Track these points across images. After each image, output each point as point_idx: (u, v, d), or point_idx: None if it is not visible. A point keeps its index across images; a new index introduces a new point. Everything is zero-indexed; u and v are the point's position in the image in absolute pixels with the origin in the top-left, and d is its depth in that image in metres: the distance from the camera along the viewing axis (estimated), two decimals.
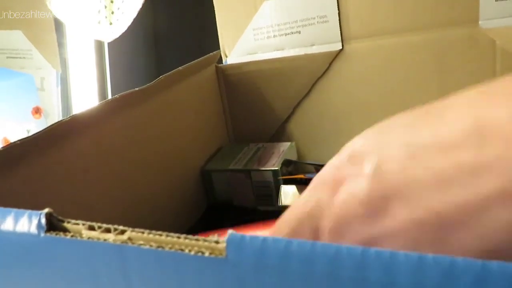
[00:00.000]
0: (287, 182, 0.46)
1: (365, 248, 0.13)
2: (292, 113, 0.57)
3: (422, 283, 0.13)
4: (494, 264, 0.12)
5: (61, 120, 0.29)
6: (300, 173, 0.47)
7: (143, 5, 0.55)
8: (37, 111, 0.56)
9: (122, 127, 0.38)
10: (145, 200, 0.41)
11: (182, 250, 0.15)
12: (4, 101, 0.53)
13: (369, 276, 0.13)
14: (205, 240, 0.15)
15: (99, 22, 0.51)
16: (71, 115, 0.30)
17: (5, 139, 0.53)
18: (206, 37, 0.72)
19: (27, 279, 0.18)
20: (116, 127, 0.37)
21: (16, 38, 0.59)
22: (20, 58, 0.59)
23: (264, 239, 0.14)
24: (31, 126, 0.55)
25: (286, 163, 0.50)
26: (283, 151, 0.52)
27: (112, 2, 0.51)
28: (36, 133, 0.27)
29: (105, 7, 0.51)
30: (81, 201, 0.33)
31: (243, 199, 0.51)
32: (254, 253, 0.14)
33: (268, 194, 0.49)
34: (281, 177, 0.47)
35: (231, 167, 0.50)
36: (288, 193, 0.46)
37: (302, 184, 0.46)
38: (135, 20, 0.55)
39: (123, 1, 0.51)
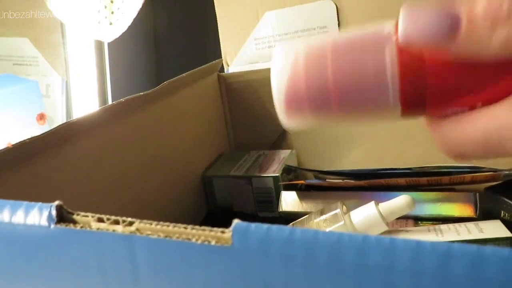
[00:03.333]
0: (288, 188, 0.47)
1: (366, 235, 0.14)
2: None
3: (420, 268, 0.13)
4: (488, 249, 0.13)
5: (68, 121, 0.30)
6: (300, 180, 0.47)
7: (143, 5, 0.56)
8: (41, 117, 0.57)
9: (125, 131, 0.39)
10: (147, 204, 0.42)
11: (189, 239, 0.16)
12: (9, 106, 0.53)
13: (370, 261, 0.14)
14: (211, 230, 0.16)
15: (99, 22, 0.52)
16: (77, 117, 0.31)
17: (9, 145, 0.54)
18: (206, 36, 0.73)
19: (36, 270, 0.19)
20: (120, 131, 0.38)
21: (23, 46, 0.60)
22: (26, 65, 0.60)
23: (269, 228, 0.15)
24: (35, 132, 0.55)
25: (287, 170, 0.51)
26: (283, 158, 0.53)
27: (112, 2, 0.51)
28: (43, 133, 0.28)
29: (105, 7, 0.51)
30: (84, 202, 0.33)
31: (244, 205, 0.51)
32: (258, 241, 0.15)
33: (268, 200, 0.50)
34: (281, 183, 0.48)
35: (232, 173, 0.51)
36: (288, 200, 0.46)
37: (302, 191, 0.46)
38: (135, 20, 0.56)
39: (123, 1, 0.52)
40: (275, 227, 0.15)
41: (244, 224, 0.15)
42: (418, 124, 0.55)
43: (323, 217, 0.39)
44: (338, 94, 0.18)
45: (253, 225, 0.15)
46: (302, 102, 0.18)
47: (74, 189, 0.32)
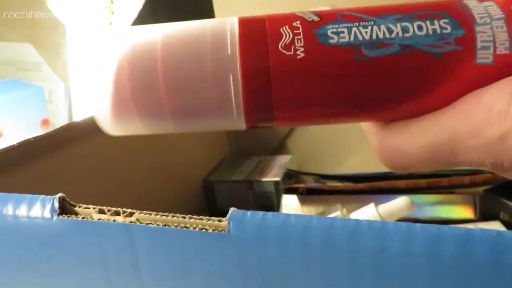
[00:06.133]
0: (288, 192, 0.47)
1: (358, 220, 0.14)
2: (293, 127, 0.59)
3: (411, 250, 0.13)
4: (477, 231, 0.13)
5: (72, 122, 0.30)
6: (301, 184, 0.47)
7: (143, 5, 0.56)
8: (45, 122, 0.58)
9: (127, 135, 0.39)
10: (147, 209, 0.42)
11: (187, 227, 0.16)
12: (14, 111, 0.54)
13: (362, 245, 0.14)
14: (208, 219, 0.16)
15: (99, 23, 0.52)
16: (82, 118, 0.32)
17: None
18: None
19: (40, 261, 0.19)
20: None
21: (26, 51, 0.61)
22: (29, 70, 0.61)
23: (264, 215, 0.15)
24: None
25: (288, 175, 0.51)
26: (284, 163, 0.53)
27: (112, 2, 0.52)
28: (47, 132, 0.28)
29: (105, 7, 0.52)
30: (86, 203, 0.33)
31: (245, 207, 0.51)
32: (254, 228, 0.15)
33: (269, 205, 0.50)
34: (282, 187, 0.48)
35: (233, 178, 0.51)
36: (289, 204, 0.46)
37: (303, 195, 0.47)
38: (135, 20, 0.56)
39: (123, 2, 0.52)
40: (270, 214, 0.15)
41: (240, 212, 0.16)
42: None
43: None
44: (171, 100, 0.15)
45: (249, 213, 0.16)
46: (129, 111, 0.16)
47: (75, 190, 0.32)
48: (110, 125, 0.17)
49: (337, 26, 0.15)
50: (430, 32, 0.15)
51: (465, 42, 0.15)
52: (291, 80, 0.15)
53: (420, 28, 0.15)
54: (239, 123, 0.16)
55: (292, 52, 0.15)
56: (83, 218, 0.18)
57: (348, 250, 0.14)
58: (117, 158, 0.38)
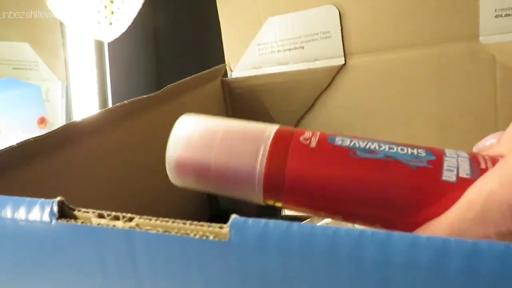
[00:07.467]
0: None
1: (362, 230, 0.14)
2: (296, 126, 0.58)
3: (416, 262, 0.13)
4: (485, 243, 0.13)
5: (72, 122, 0.30)
6: None
7: (143, 5, 0.56)
8: (42, 121, 0.57)
9: (128, 134, 0.39)
10: (149, 208, 0.42)
11: (187, 234, 0.16)
12: (11, 110, 0.54)
13: (366, 255, 0.14)
14: (209, 225, 0.16)
15: (99, 22, 0.52)
16: (82, 118, 0.31)
17: None
18: (207, 36, 0.73)
19: (38, 265, 0.19)
20: (123, 133, 0.38)
21: (23, 50, 0.61)
22: (26, 69, 0.61)
23: (266, 222, 0.15)
24: None
25: None
26: None
27: (112, 2, 0.52)
28: (47, 132, 0.28)
29: (105, 7, 0.51)
30: (86, 204, 0.33)
31: (247, 209, 0.51)
32: (256, 236, 0.15)
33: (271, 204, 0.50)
34: None
35: None
36: None
37: None
38: (135, 20, 0.56)
39: (123, 1, 0.52)
40: (272, 222, 0.15)
41: (242, 219, 0.15)
42: (423, 133, 0.55)
43: (326, 220, 0.39)
44: (216, 173, 0.22)
45: (250, 220, 0.15)
46: (188, 172, 0.22)
47: (77, 190, 0.32)
48: (172, 177, 0.24)
49: (344, 138, 0.21)
50: (409, 153, 0.20)
51: (434, 163, 0.19)
52: (302, 160, 0.20)
53: (402, 149, 0.20)
54: (259, 198, 0.22)
55: (307, 143, 0.21)
56: (82, 222, 0.18)
57: (351, 261, 0.14)
58: (118, 158, 0.37)
